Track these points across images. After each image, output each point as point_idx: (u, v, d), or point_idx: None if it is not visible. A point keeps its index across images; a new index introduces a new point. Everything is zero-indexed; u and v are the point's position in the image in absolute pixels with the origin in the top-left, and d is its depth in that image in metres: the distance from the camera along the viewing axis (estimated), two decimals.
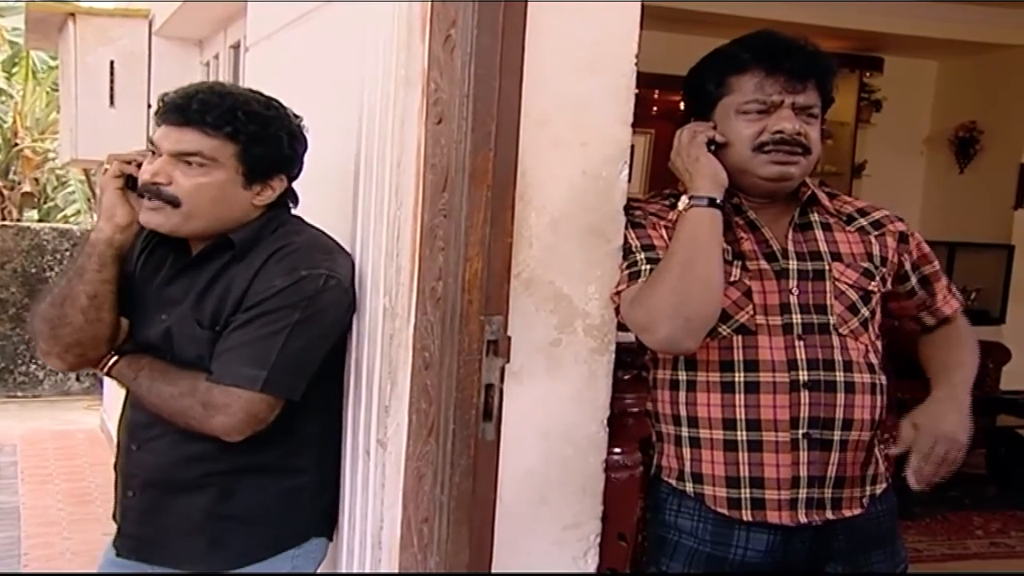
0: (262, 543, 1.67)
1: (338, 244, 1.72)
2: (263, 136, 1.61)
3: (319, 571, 1.77)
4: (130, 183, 1.63)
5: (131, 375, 1.64)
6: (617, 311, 1.59)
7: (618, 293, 1.58)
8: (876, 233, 1.67)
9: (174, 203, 1.57)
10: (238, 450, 1.59)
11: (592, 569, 1.64)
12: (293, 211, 1.74)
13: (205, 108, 1.57)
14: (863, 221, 1.68)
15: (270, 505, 1.67)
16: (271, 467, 1.67)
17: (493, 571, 1.49)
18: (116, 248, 1.62)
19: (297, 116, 1.70)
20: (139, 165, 1.62)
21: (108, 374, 1.67)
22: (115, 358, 1.66)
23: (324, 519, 1.78)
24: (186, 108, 1.57)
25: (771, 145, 1.56)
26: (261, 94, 1.67)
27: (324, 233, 1.72)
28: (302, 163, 1.71)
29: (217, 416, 1.53)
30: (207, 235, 1.63)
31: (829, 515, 1.58)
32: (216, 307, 1.60)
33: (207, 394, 1.54)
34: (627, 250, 1.60)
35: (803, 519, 1.57)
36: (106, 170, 1.65)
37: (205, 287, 1.63)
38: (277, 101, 1.68)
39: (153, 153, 1.60)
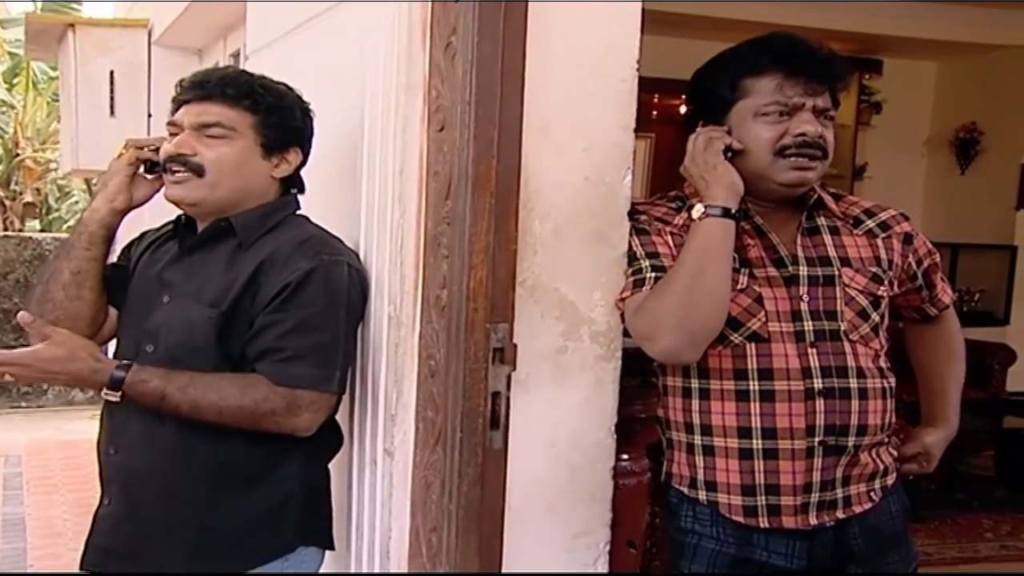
0: (243, 555, 1.61)
1: None
2: (279, 107, 1.67)
3: None
4: (146, 166, 1.69)
5: (161, 385, 1.52)
6: (622, 317, 1.59)
7: (622, 299, 1.57)
8: (883, 236, 1.66)
9: (199, 172, 1.61)
10: (220, 452, 1.57)
11: None
12: (300, 201, 1.76)
13: (225, 82, 1.64)
14: (870, 223, 1.67)
15: (253, 514, 1.61)
16: (254, 475, 1.61)
17: None
18: (107, 229, 1.67)
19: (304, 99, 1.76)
20: (155, 150, 1.67)
21: (124, 391, 1.52)
22: (122, 372, 1.53)
23: (314, 528, 1.70)
24: (206, 83, 1.64)
25: (793, 148, 1.53)
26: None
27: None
28: (312, 140, 1.75)
29: (304, 414, 1.56)
30: (230, 208, 1.64)
31: (839, 514, 1.58)
32: (220, 289, 1.59)
33: (291, 395, 1.55)
34: (632, 257, 1.59)
35: (814, 521, 1.56)
36: (121, 155, 1.68)
37: (208, 270, 1.62)
38: (286, 84, 1.73)
39: (173, 135, 1.65)
